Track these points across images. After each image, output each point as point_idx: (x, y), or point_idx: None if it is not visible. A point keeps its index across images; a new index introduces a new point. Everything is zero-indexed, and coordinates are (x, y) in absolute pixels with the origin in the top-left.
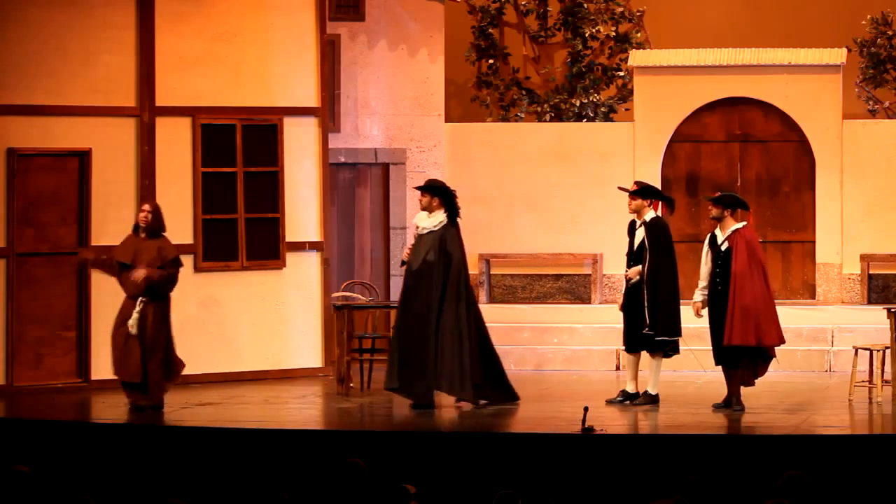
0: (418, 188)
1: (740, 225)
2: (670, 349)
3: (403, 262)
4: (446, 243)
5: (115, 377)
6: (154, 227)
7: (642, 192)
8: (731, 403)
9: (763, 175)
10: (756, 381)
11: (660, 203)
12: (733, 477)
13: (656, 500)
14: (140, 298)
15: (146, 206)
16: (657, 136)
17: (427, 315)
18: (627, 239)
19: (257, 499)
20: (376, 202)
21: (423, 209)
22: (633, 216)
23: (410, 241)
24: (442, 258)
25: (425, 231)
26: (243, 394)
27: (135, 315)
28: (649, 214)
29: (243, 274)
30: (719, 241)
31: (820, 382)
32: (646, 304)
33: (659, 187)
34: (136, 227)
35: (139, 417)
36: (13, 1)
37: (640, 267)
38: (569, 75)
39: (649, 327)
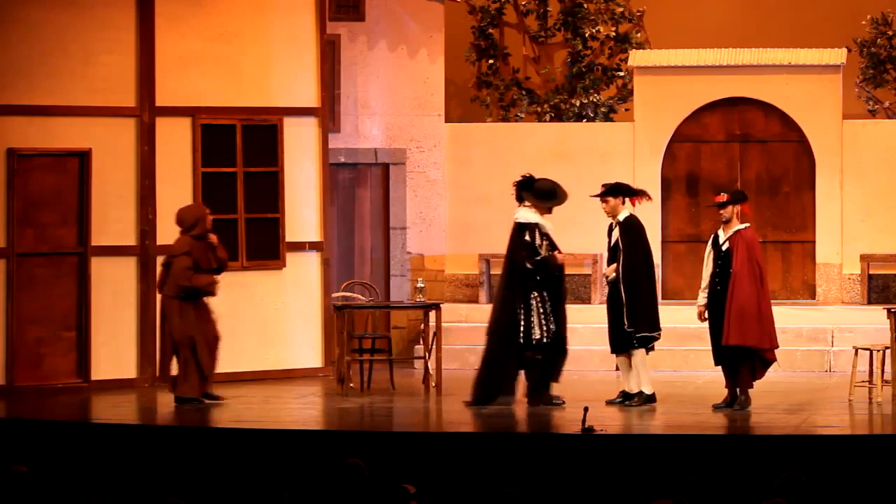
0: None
1: (743, 226)
2: (650, 345)
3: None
4: None
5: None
6: None
7: (610, 192)
8: (733, 402)
9: (763, 175)
10: (754, 383)
11: (635, 199)
12: (733, 477)
13: (656, 500)
14: None
15: None
16: (657, 136)
17: None
18: (607, 240)
19: (257, 499)
20: (376, 202)
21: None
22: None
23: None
24: None
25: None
26: (243, 394)
27: None
28: (623, 213)
29: (243, 274)
30: (721, 242)
31: (820, 382)
32: (623, 301)
33: (659, 187)
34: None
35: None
36: (14, 1)
37: (615, 265)
38: (569, 75)
39: (628, 324)
